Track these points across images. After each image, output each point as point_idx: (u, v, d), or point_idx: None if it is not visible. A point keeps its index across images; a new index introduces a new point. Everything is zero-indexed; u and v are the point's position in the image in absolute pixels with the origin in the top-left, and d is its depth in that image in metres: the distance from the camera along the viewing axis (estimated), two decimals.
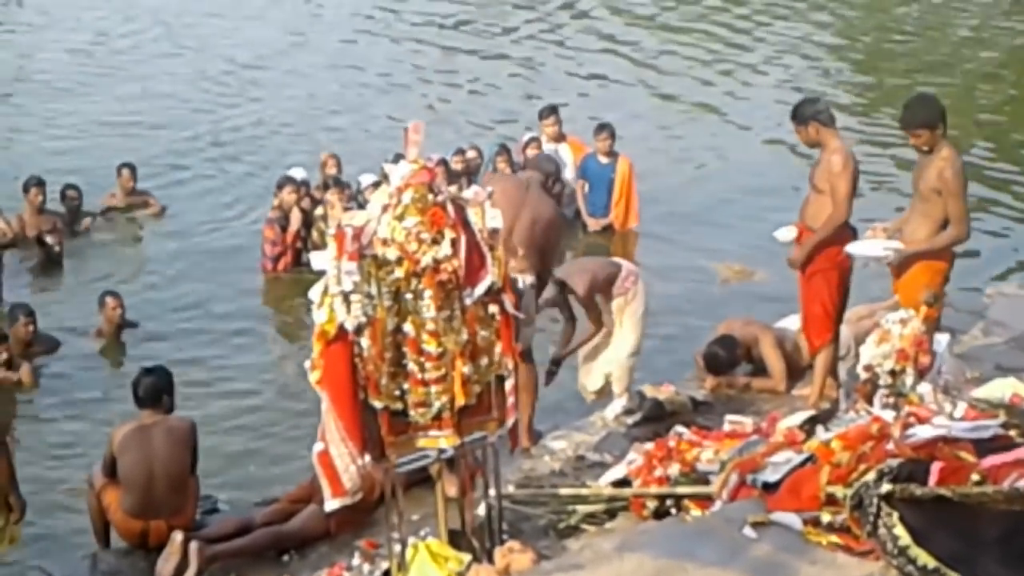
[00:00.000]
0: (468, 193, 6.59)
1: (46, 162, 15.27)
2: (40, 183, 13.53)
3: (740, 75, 19.18)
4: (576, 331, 9.48)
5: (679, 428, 8.22)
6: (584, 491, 7.70)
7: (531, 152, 13.45)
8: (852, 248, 8.51)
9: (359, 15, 22.29)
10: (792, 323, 9.75)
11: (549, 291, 9.04)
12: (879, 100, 17.69)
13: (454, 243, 6.33)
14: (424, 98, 18.35)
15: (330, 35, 21.39)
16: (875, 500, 5.58)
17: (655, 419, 9.10)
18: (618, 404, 9.43)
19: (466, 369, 6.47)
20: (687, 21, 21.75)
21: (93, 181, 14.70)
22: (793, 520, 5.91)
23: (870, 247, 8.49)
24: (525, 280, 8.51)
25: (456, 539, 6.93)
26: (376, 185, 13.01)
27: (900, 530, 5.48)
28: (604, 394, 9.62)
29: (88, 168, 15.34)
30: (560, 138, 14.33)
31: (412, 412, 6.48)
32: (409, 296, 6.34)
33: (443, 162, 13.09)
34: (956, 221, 8.22)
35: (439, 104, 18.13)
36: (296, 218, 13.02)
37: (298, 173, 13.70)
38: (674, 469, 7.43)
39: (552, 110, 14.45)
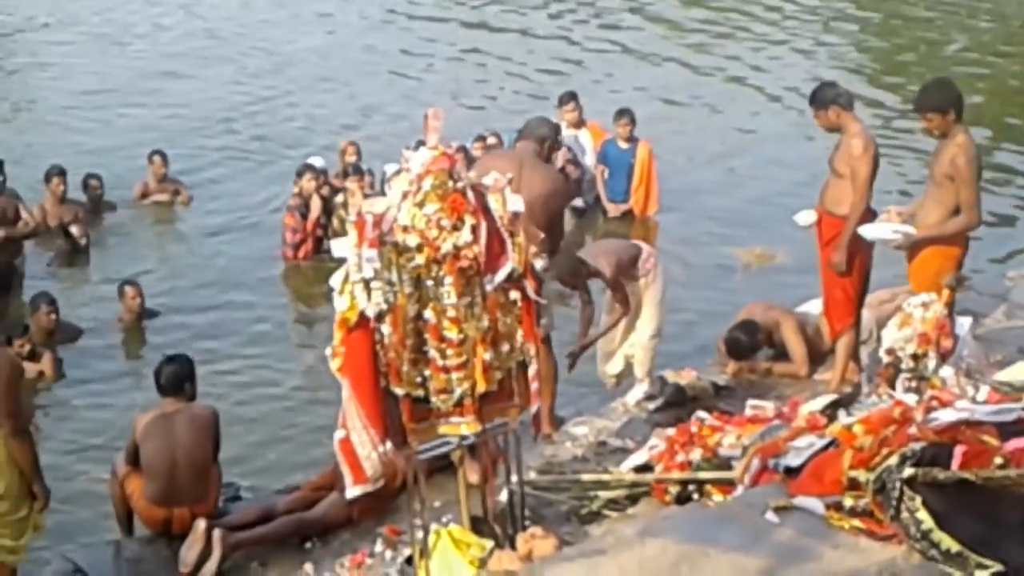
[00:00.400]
0: (488, 179, 6.58)
1: (71, 152, 15.31)
2: (61, 172, 13.55)
3: (761, 60, 19.13)
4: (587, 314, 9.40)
5: (701, 413, 8.20)
6: (606, 477, 7.69)
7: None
8: (863, 230, 8.49)
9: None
10: (814, 307, 9.73)
11: (565, 271, 8.95)
12: (907, 83, 17.59)
13: (474, 229, 6.33)
14: (452, 83, 18.37)
15: (359, 22, 21.39)
16: (898, 484, 5.56)
17: (677, 404, 9.09)
18: (639, 389, 9.42)
19: (487, 356, 6.47)
20: (709, 8, 21.69)
21: (118, 173, 14.77)
22: (815, 504, 5.90)
23: (880, 230, 8.46)
24: (539, 264, 8.43)
25: (478, 525, 6.94)
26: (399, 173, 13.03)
27: (923, 514, 5.46)
28: (623, 379, 9.62)
29: (113, 159, 15.41)
30: (580, 124, 14.30)
31: (433, 399, 6.48)
32: (430, 283, 6.33)
33: (463, 149, 13.06)
34: (967, 208, 8.18)
35: (467, 88, 18.13)
36: (316, 206, 13.04)
37: (317, 161, 13.74)
38: (696, 454, 7.42)
39: (572, 96, 14.41)
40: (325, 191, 13.30)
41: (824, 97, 8.65)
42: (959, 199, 8.16)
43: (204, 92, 18.13)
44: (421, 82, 18.42)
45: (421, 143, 6.49)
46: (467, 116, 16.02)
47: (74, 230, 13.24)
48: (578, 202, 13.59)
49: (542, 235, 8.27)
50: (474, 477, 6.99)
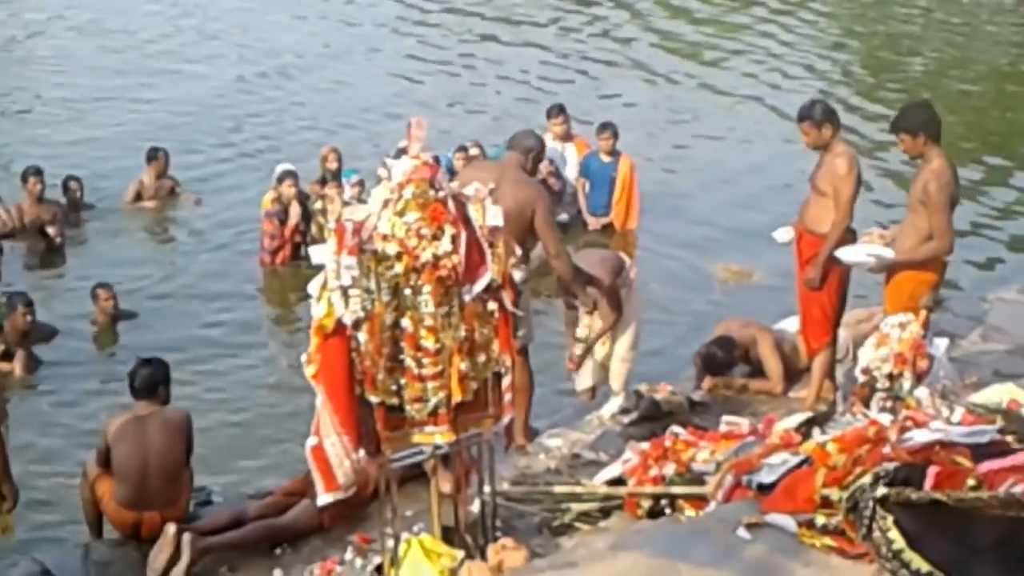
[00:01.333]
0: (469, 190, 6.59)
1: (55, 152, 15.37)
2: (38, 172, 13.54)
3: (743, 78, 19.17)
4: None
5: (675, 428, 8.20)
6: (579, 489, 7.68)
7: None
8: (839, 254, 8.52)
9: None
10: (791, 325, 9.74)
11: (574, 281, 8.96)
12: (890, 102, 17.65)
13: (454, 239, 6.33)
14: (446, 92, 18.43)
15: (370, 28, 21.43)
16: (870, 503, 5.56)
17: (651, 418, 9.09)
18: (614, 403, 9.42)
19: (463, 365, 6.46)
20: (692, 23, 21.73)
21: (103, 173, 14.77)
22: (788, 522, 5.89)
23: (855, 253, 8.51)
24: (517, 275, 8.43)
25: (449, 535, 6.92)
26: (360, 184, 13.03)
27: (895, 534, 5.46)
28: (595, 394, 9.63)
29: (100, 161, 15.46)
30: (567, 138, 14.31)
31: (408, 407, 6.47)
32: (408, 292, 6.33)
33: (436, 160, 13.04)
34: (938, 235, 8.22)
35: (461, 97, 18.21)
36: (295, 212, 13.01)
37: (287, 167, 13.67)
38: (669, 469, 7.42)
39: (560, 109, 14.42)
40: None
41: (818, 114, 8.66)
42: (931, 225, 8.19)
43: (201, 94, 18.11)
44: (418, 88, 18.49)
45: (402, 152, 6.49)
46: (460, 125, 16.10)
47: (50, 230, 13.21)
48: (562, 216, 13.59)
49: (518, 248, 8.27)
50: (447, 487, 6.97)
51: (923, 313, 7.84)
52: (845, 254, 8.51)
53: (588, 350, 9.44)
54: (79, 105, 17.70)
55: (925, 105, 8.85)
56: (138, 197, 14.40)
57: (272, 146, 16.20)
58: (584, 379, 9.60)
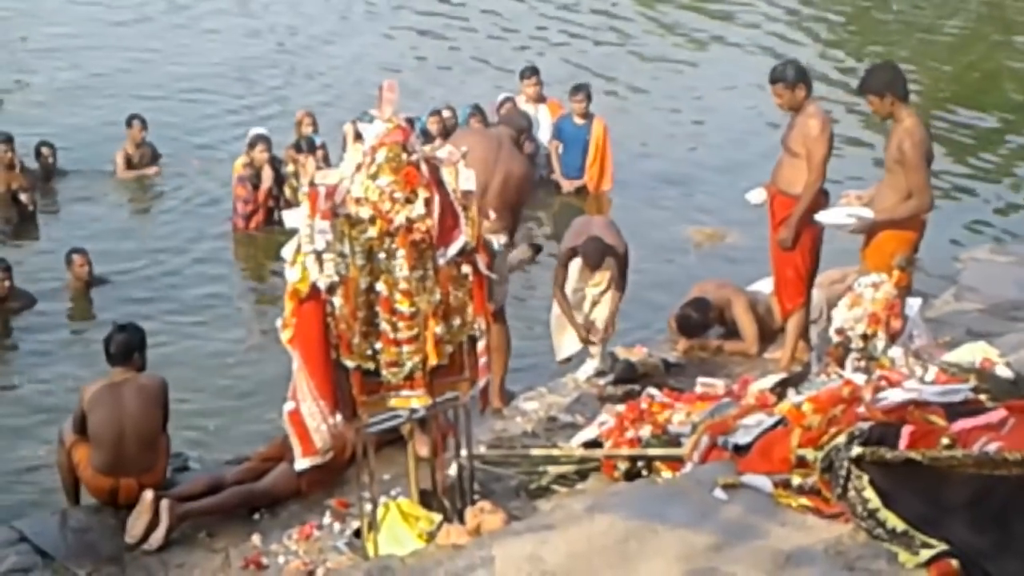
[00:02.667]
0: (442, 153, 6.58)
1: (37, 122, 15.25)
2: (8, 140, 13.43)
3: (717, 38, 19.15)
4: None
5: (651, 390, 8.23)
6: (555, 452, 7.70)
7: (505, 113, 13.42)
8: (818, 217, 8.53)
9: None
10: (765, 286, 9.76)
11: (595, 253, 9.17)
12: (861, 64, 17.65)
13: (427, 203, 6.33)
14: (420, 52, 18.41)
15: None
16: (845, 463, 5.59)
17: (627, 381, 9.11)
18: (590, 365, 9.44)
19: (438, 329, 6.47)
20: None
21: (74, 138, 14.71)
22: (763, 482, 5.92)
23: (834, 215, 8.51)
24: (499, 240, 8.50)
25: (427, 499, 6.95)
26: (323, 147, 12.99)
27: (870, 493, 5.49)
28: (571, 358, 9.66)
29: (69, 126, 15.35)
30: (540, 99, 14.29)
31: (384, 372, 6.48)
32: (382, 255, 6.33)
33: (410, 121, 13.03)
34: (917, 192, 8.22)
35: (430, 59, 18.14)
36: (268, 176, 12.96)
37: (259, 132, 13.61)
38: (645, 431, 7.44)
39: (534, 71, 14.42)
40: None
41: (790, 75, 8.65)
42: (909, 183, 8.19)
43: (177, 64, 17.99)
44: (396, 53, 18.47)
45: (370, 115, 6.47)
46: (430, 88, 16.08)
47: (23, 197, 13.14)
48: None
49: (494, 212, 8.31)
50: (424, 450, 6.99)
51: (896, 273, 7.85)
52: (825, 216, 8.53)
53: (607, 328, 9.49)
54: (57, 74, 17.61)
55: (890, 65, 8.85)
56: (128, 165, 14.32)
57: (246, 109, 16.12)
58: (567, 347, 9.61)
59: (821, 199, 8.65)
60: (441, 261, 6.46)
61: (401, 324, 6.41)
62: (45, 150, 13.98)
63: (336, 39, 19.22)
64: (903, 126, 8.20)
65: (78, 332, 11.31)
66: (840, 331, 7.57)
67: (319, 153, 12.99)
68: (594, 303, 9.41)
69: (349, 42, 19.07)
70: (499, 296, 8.62)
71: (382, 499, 6.87)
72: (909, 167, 8.16)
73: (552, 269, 9.75)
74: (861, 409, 6.09)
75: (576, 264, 9.39)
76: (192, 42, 18.94)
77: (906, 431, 5.71)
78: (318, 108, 14.75)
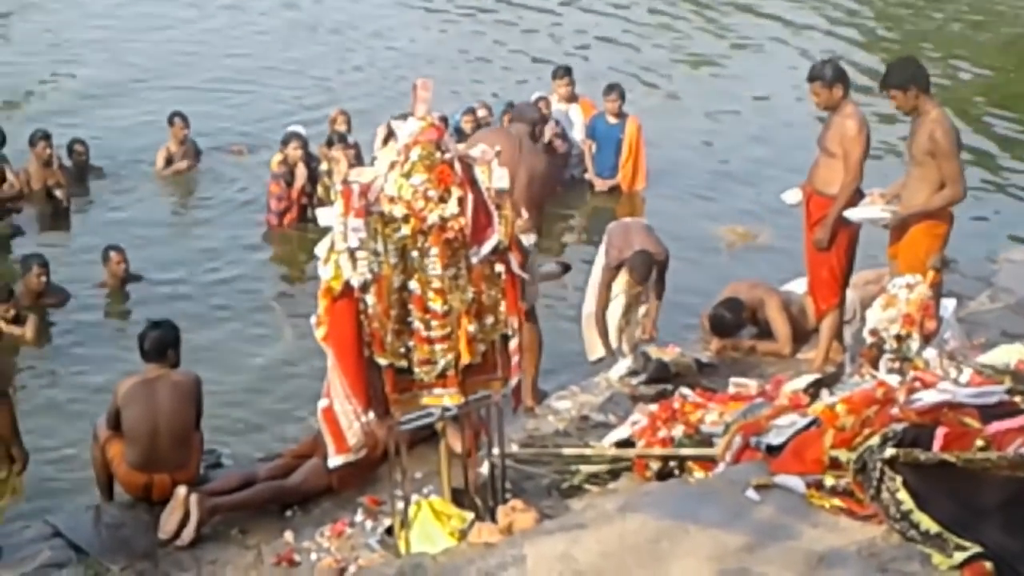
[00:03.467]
0: (475, 151, 6.58)
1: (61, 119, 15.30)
2: (46, 136, 13.50)
3: (754, 39, 19.10)
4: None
5: (684, 390, 8.22)
6: (588, 451, 7.70)
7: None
8: (850, 213, 8.49)
9: None
10: (798, 286, 9.74)
11: (642, 266, 9.24)
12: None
13: (461, 201, 6.33)
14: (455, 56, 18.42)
15: None
16: (879, 464, 5.57)
17: (660, 380, 9.11)
18: (623, 365, 9.43)
19: (471, 328, 6.47)
20: None
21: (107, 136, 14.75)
22: (796, 483, 5.91)
23: (868, 211, 8.46)
24: (529, 239, 8.51)
25: (459, 497, 6.95)
26: (356, 147, 13.03)
27: (903, 494, 5.47)
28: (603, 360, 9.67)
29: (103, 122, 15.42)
30: (572, 99, 14.30)
31: (417, 370, 6.48)
32: (415, 254, 6.33)
33: (443, 121, 13.07)
34: (951, 182, 8.15)
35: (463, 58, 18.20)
36: (301, 174, 12.99)
37: (299, 130, 13.66)
38: (678, 431, 7.43)
39: (566, 71, 14.42)
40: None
41: (829, 74, 8.62)
42: (942, 173, 8.13)
43: (214, 63, 18.10)
44: (428, 50, 18.53)
45: (408, 114, 6.48)
46: (468, 86, 16.12)
47: (58, 193, 13.22)
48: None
49: (525, 213, 8.32)
50: (457, 445, 7.00)
51: (931, 274, 7.81)
52: (857, 214, 8.48)
53: (650, 330, 9.55)
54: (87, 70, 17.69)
55: (911, 59, 8.80)
56: (168, 163, 14.38)
57: (282, 109, 16.17)
58: (600, 347, 9.60)
59: (856, 200, 8.61)
60: (474, 260, 6.46)
61: (434, 322, 6.41)
62: (79, 147, 14.06)
63: (388, 33, 19.29)
64: (931, 117, 8.14)
65: (113, 329, 11.35)
66: (874, 332, 7.55)
67: (350, 152, 13.03)
68: (629, 305, 9.42)
69: (400, 35, 19.12)
70: (530, 295, 8.62)
71: (414, 497, 6.88)
72: (943, 156, 8.09)
73: (585, 273, 9.73)
74: (895, 410, 6.07)
75: (621, 274, 9.42)
76: (243, 36, 19.04)
77: (940, 433, 5.68)
78: (365, 104, 14.80)
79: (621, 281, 9.44)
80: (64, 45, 18.88)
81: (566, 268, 10.97)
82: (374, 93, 16.59)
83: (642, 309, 9.50)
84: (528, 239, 8.40)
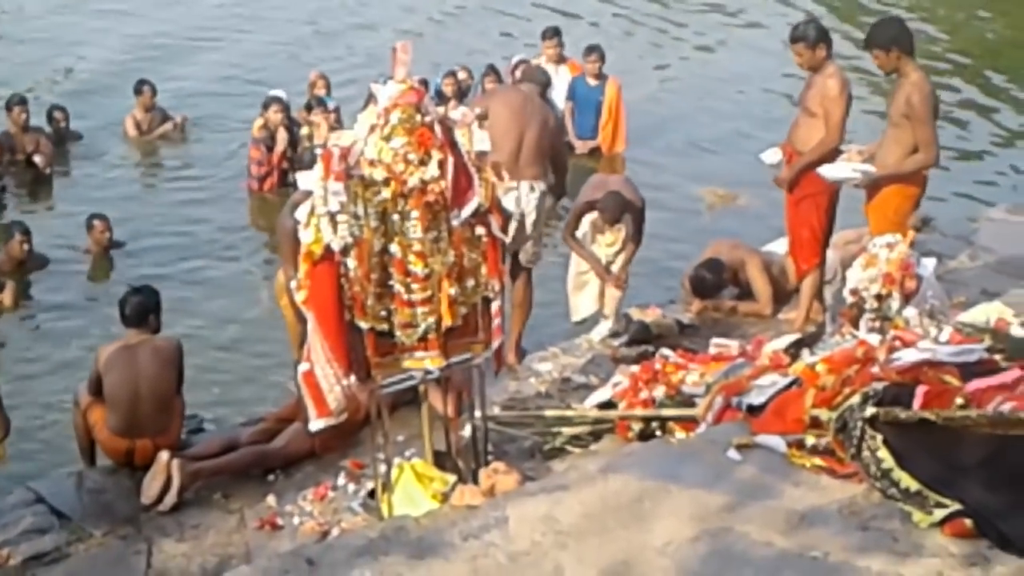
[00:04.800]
0: (456, 114, 6.56)
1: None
2: (22, 101, 13.45)
3: (740, 5, 19.05)
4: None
5: (665, 351, 8.23)
6: (569, 413, 7.72)
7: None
8: (822, 170, 8.46)
9: None
10: (779, 247, 9.75)
11: (614, 208, 9.16)
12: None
13: (441, 164, 6.32)
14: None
15: None
16: (859, 423, 5.58)
17: (641, 342, 9.12)
18: (604, 326, 9.44)
19: (452, 291, 6.47)
20: None
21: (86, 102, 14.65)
22: (777, 442, 5.92)
23: (839, 169, 8.44)
24: (539, 187, 8.61)
25: (441, 460, 6.96)
26: (336, 111, 12.99)
27: (884, 453, 5.49)
28: (585, 322, 9.67)
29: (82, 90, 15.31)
30: (560, 60, 14.26)
31: (398, 333, 6.48)
32: (396, 217, 6.32)
33: (423, 83, 13.03)
34: (924, 146, 8.14)
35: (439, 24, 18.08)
36: (282, 138, 12.96)
37: (280, 93, 13.62)
38: (659, 392, 7.45)
39: (555, 32, 14.40)
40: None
41: (812, 35, 8.60)
42: (916, 137, 8.12)
43: (185, 20, 17.95)
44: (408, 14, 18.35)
45: (388, 78, 6.47)
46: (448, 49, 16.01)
47: (38, 159, 13.15)
48: None
49: (534, 161, 8.70)
50: (439, 405, 7.01)
51: (911, 233, 7.82)
52: (829, 171, 8.47)
53: (619, 279, 9.45)
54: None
55: (895, 20, 8.78)
56: (137, 130, 14.32)
57: (261, 73, 16.10)
58: (584, 308, 9.59)
59: (833, 158, 8.60)
60: (455, 223, 6.46)
61: (415, 286, 6.41)
62: (58, 113, 14.01)
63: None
64: (910, 80, 8.13)
65: (94, 295, 11.32)
66: (854, 291, 7.56)
67: (331, 116, 12.99)
68: (608, 263, 9.38)
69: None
70: (535, 252, 8.95)
71: (396, 460, 6.89)
72: (917, 121, 8.08)
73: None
74: (875, 369, 6.08)
75: (588, 220, 9.34)
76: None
77: (920, 391, 5.70)
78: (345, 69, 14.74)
79: (589, 229, 9.39)
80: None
81: None
82: (343, 57, 16.51)
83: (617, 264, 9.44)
84: (537, 187, 8.71)
